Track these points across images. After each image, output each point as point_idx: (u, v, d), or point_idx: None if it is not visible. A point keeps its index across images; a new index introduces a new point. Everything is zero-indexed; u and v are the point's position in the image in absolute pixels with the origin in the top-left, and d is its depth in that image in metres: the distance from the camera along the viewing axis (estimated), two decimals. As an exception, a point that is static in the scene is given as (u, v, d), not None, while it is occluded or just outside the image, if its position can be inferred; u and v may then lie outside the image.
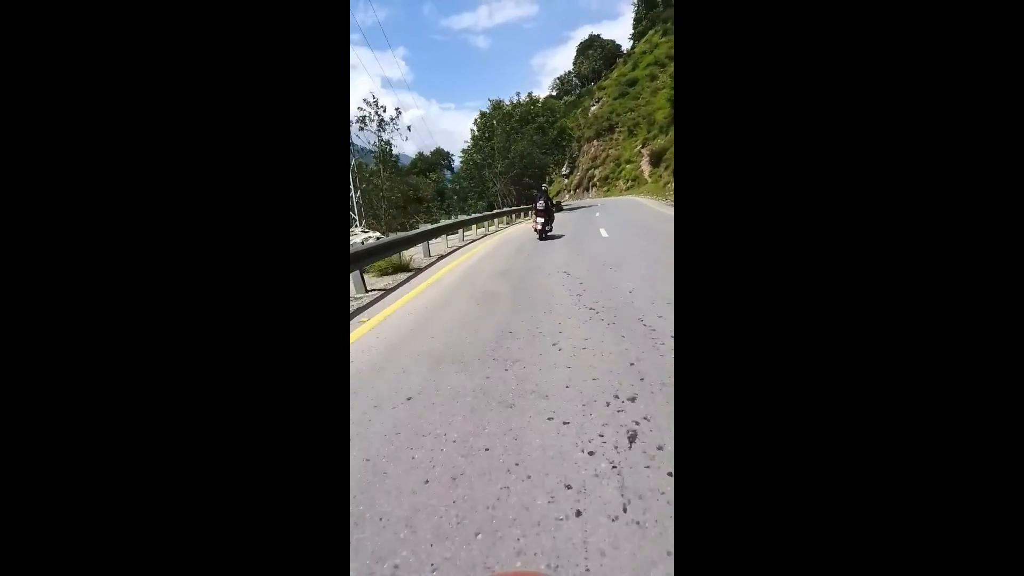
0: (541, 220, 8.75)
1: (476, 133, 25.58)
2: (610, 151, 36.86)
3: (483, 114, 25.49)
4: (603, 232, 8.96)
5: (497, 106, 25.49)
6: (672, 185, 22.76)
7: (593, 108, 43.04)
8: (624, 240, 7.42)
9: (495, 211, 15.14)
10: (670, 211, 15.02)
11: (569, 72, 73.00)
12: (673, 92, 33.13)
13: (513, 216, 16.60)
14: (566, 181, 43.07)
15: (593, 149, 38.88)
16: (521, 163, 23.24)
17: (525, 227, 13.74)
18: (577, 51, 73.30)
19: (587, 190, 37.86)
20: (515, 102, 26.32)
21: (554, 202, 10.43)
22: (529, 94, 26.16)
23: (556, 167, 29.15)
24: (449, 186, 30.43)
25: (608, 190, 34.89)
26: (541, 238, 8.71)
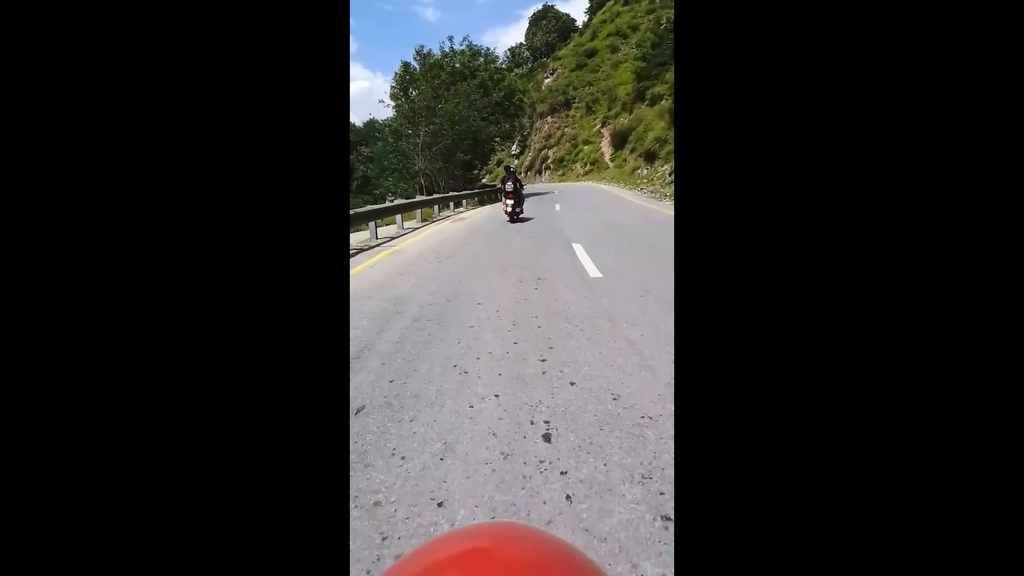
0: (511, 202, 8.92)
1: (395, 90, 18.62)
2: (566, 129, 32.59)
3: (406, 66, 18.47)
4: (583, 258, 4.51)
5: (422, 54, 18.59)
6: (643, 171, 18.86)
7: (547, 81, 38.41)
8: (643, 291, 2.93)
9: (393, 204, 8.98)
10: (653, 207, 10.83)
11: (521, 44, 67.49)
12: (636, 65, 29.40)
13: (437, 208, 11.46)
14: (516, 162, 38.41)
15: (547, 126, 34.40)
16: (453, 131, 16.51)
17: (445, 233, 8.68)
18: (530, 22, 67.89)
19: (540, 173, 33.47)
20: (447, 51, 18.89)
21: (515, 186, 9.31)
22: (467, 39, 19.30)
23: (503, 142, 23.53)
24: (376, 162, 24.07)
25: (564, 174, 30.69)
26: (512, 220, 8.86)
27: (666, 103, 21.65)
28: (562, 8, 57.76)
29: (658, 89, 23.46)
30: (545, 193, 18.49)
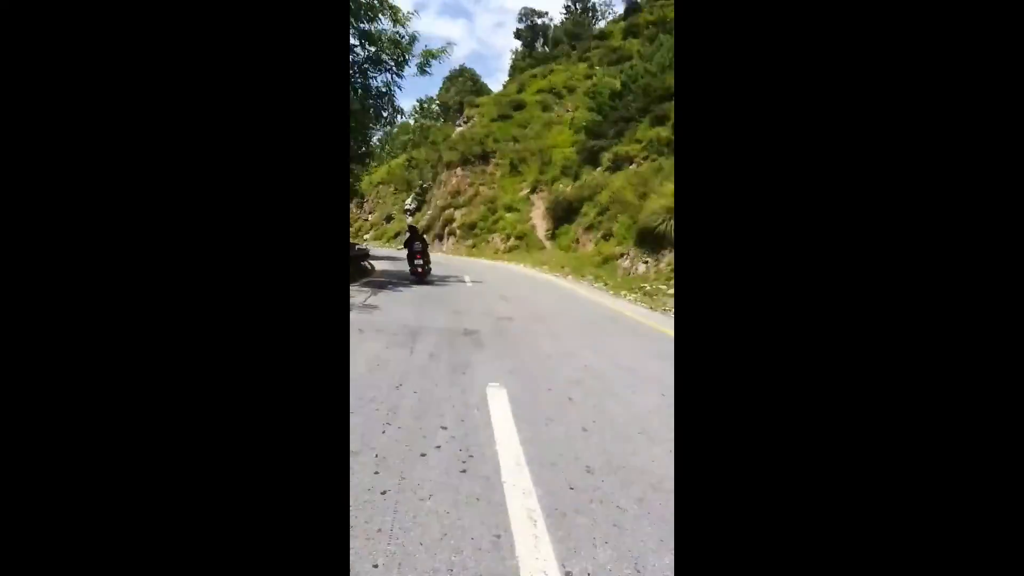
0: (419, 261, 8.49)
1: None
2: (481, 187, 24.33)
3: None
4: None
5: None
6: (640, 266, 10.68)
7: (460, 128, 30.73)
8: None
9: None
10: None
11: (431, 97, 61.29)
12: (587, 119, 23.13)
13: None
14: (410, 219, 28.87)
15: (455, 180, 25.83)
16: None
17: None
18: (444, 80, 62.74)
19: (441, 239, 24.16)
20: None
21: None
22: None
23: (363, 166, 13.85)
24: None
25: (476, 245, 21.79)
26: (418, 279, 8.40)
27: (645, 167, 14.78)
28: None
29: (626, 149, 16.54)
30: (445, 282, 8.80)
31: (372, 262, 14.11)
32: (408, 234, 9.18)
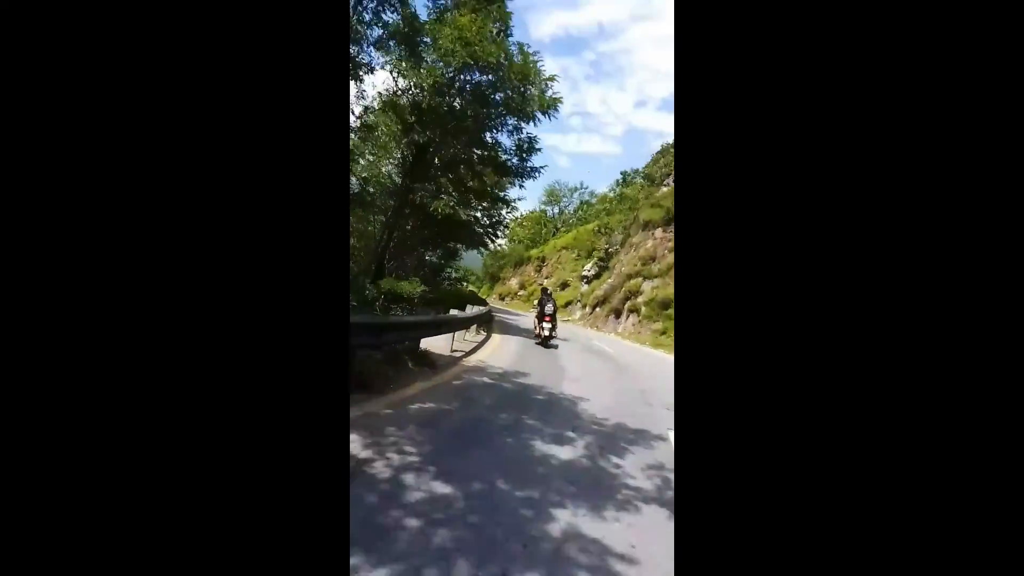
0: (548, 326, 8.73)
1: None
2: (687, 255, 17.12)
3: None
4: None
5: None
6: None
7: (668, 187, 24.67)
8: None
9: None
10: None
11: (636, 170, 57.61)
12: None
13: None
14: (584, 288, 23.45)
15: (652, 243, 19.50)
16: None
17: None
18: (657, 153, 58.74)
19: (619, 316, 17.76)
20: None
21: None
22: None
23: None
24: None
25: (666, 331, 14.68)
26: (544, 344, 8.53)
27: None
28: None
29: None
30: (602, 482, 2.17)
31: (493, 335, 8.81)
32: (542, 296, 9.21)
